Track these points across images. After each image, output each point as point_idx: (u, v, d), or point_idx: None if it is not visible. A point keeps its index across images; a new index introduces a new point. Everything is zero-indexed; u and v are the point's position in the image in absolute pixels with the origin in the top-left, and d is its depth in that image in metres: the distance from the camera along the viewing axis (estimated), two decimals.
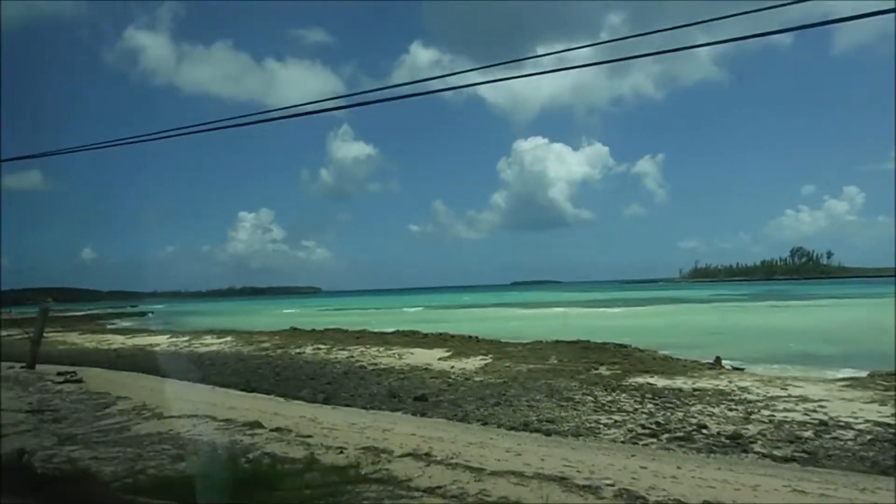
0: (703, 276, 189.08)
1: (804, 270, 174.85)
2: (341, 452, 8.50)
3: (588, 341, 26.26)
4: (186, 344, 31.20)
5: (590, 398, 14.86)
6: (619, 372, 18.33)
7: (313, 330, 36.15)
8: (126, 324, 58.02)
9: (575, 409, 13.66)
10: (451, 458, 8.38)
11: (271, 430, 9.90)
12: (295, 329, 37.89)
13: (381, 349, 25.99)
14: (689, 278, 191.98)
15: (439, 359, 22.71)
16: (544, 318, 49.43)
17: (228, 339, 32.80)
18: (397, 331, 33.66)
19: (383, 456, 8.36)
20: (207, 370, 21.10)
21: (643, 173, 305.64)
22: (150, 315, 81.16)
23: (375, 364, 21.82)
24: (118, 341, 34.32)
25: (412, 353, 24.32)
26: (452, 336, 30.48)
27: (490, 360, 21.54)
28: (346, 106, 15.56)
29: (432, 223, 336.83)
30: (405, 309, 73.49)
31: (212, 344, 30.81)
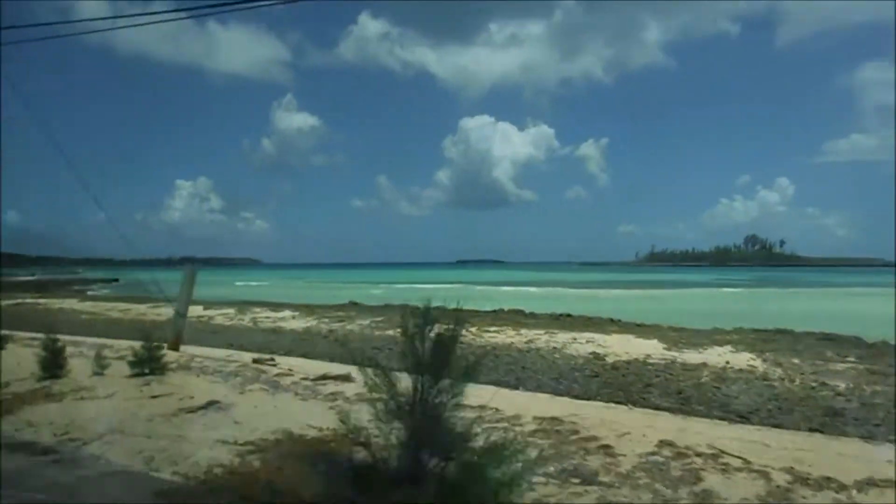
0: (659, 260, 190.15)
1: (757, 258, 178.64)
2: None
3: (791, 331, 21.53)
4: (250, 319, 24.28)
5: None
6: None
7: (387, 305, 29.95)
8: (106, 291, 49.12)
9: None
10: None
11: None
12: (354, 303, 31.65)
13: (540, 333, 20.16)
14: (645, 262, 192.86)
15: (665, 349, 17.19)
16: (603, 301, 44.67)
17: (288, 312, 26.10)
18: (500, 309, 28.00)
19: None
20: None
21: (586, 157, 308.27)
22: (117, 283, 71.28)
23: (618, 357, 15.97)
24: (150, 313, 26.87)
25: (607, 341, 18.65)
26: (590, 318, 25.08)
27: (751, 356, 16.17)
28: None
29: (376, 198, 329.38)
30: (400, 285, 67.16)
31: (286, 318, 24.12)
